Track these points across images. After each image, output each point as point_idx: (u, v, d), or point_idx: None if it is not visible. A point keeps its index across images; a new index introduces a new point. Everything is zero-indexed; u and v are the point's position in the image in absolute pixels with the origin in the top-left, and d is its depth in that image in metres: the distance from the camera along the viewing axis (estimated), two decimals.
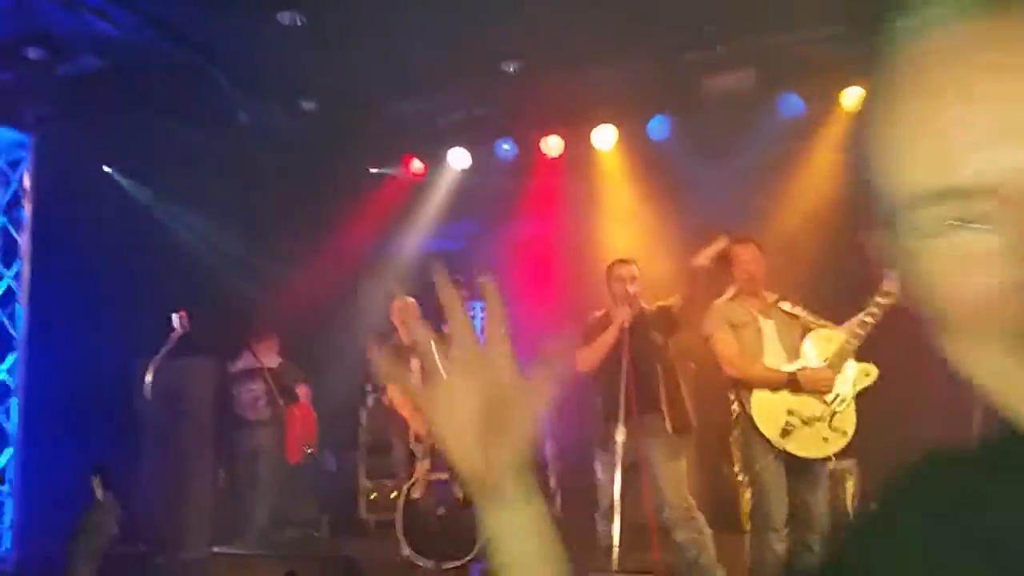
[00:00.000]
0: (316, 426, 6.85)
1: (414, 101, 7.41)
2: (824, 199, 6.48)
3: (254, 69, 6.77)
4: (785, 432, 3.67)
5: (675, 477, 4.15)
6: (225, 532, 6.24)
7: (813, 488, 3.79)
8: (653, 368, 4.22)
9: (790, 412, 3.67)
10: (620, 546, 4.03)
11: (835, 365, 3.66)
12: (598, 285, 7.15)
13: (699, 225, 6.51)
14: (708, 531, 4.13)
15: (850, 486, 6.24)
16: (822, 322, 3.91)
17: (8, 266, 6.51)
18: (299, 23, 5.96)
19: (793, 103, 6.57)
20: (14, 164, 6.64)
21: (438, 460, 5.50)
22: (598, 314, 4.45)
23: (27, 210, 6.61)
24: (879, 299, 3.64)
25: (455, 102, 7.47)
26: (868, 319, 3.65)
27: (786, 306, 3.96)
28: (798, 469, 3.78)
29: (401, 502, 5.38)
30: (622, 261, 4.49)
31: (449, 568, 5.14)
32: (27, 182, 6.62)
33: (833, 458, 3.81)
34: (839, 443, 3.69)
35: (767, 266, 4.07)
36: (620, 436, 3.95)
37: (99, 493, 3.84)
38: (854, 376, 3.71)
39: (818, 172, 6.63)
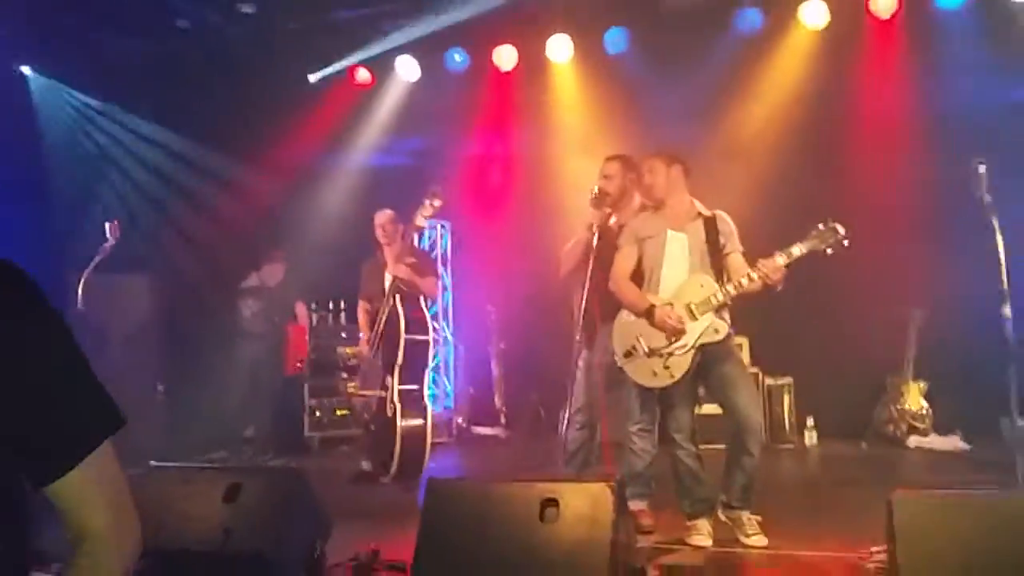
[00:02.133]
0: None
1: (360, 6, 7.07)
2: (781, 115, 6.46)
3: None
4: (628, 354, 3.86)
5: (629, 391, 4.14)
6: (169, 451, 6.14)
7: (669, 404, 3.92)
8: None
9: (638, 338, 3.83)
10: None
11: (694, 313, 3.76)
12: (551, 202, 7.10)
13: (653, 138, 6.45)
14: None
15: (787, 401, 6.45)
16: (736, 250, 3.89)
17: None
18: None
19: (751, 17, 6.44)
20: None
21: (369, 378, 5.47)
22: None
23: None
24: (756, 275, 3.66)
25: (404, 8, 7.13)
26: (744, 281, 3.69)
27: (710, 214, 3.92)
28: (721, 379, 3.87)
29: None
30: (607, 158, 4.40)
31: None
32: None
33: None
34: (664, 381, 3.82)
35: (708, 177, 4.03)
36: (579, 346, 4.01)
37: None
38: (704, 329, 3.78)
39: (776, 88, 6.55)
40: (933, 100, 6.13)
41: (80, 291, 5.35)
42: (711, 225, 3.90)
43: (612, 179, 4.27)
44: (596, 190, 4.16)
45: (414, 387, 5.26)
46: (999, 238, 3.76)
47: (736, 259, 3.88)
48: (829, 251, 3.63)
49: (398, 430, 5.12)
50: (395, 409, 5.16)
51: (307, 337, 6.78)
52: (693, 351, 3.78)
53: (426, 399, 5.34)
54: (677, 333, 3.76)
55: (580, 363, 4.24)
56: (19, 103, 6.88)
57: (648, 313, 3.80)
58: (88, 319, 5.46)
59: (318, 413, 7.24)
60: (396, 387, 5.18)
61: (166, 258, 6.83)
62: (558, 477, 3.95)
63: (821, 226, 3.66)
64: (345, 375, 7.19)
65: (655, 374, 3.82)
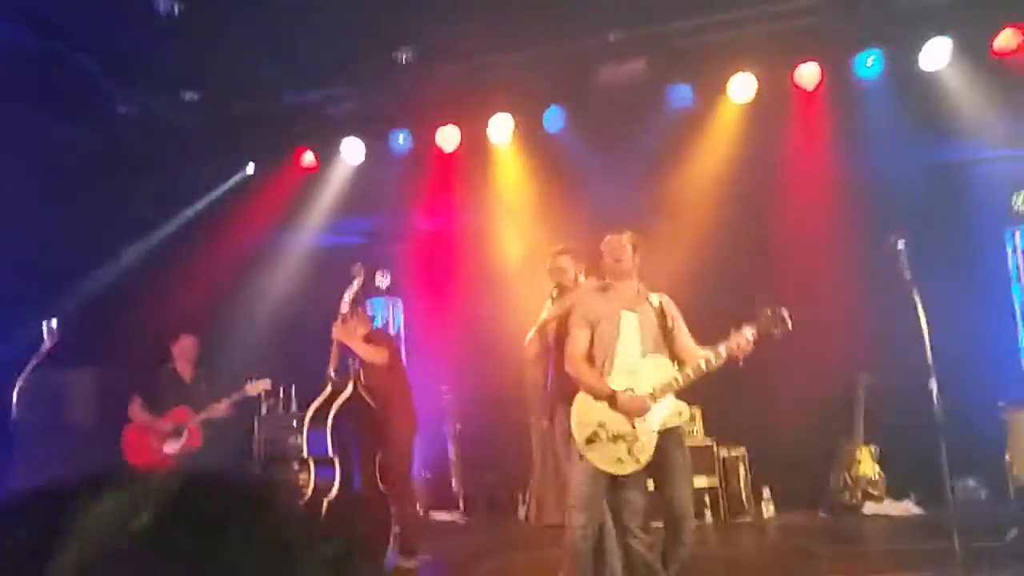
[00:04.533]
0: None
1: (304, 91, 7.16)
2: (711, 190, 6.61)
3: (130, 59, 6.41)
4: (590, 440, 3.78)
5: (576, 472, 4.11)
6: None
7: (624, 491, 3.86)
8: (561, 364, 4.14)
9: (600, 424, 3.77)
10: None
11: (655, 396, 3.75)
12: (496, 280, 7.14)
13: (594, 216, 6.55)
14: (596, 526, 4.09)
15: (742, 472, 6.44)
16: (680, 331, 3.94)
17: None
18: (176, 11, 5.66)
19: (682, 93, 6.63)
20: None
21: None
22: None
23: None
24: (721, 350, 3.72)
25: (347, 92, 7.24)
26: (704, 365, 3.74)
27: (655, 298, 3.98)
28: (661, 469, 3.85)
29: None
30: (555, 252, 4.45)
31: None
32: None
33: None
34: (630, 468, 3.76)
35: (651, 255, 4.08)
36: (537, 428, 4.09)
37: None
38: (667, 413, 3.79)
39: (709, 160, 6.71)
40: (857, 167, 6.38)
41: (15, 396, 5.19)
42: (658, 306, 3.95)
43: (566, 271, 4.34)
44: (554, 286, 4.29)
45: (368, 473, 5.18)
46: (920, 313, 3.84)
47: (687, 340, 3.91)
48: (777, 333, 3.72)
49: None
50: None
51: (148, 440, 6.01)
52: (656, 435, 3.76)
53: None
54: (639, 416, 3.73)
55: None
56: None
57: (611, 398, 3.75)
58: (27, 425, 5.31)
59: None
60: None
61: (112, 351, 6.68)
62: None
63: (769, 311, 3.74)
64: (298, 466, 6.93)
65: (620, 460, 3.74)
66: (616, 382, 3.81)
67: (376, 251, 7.33)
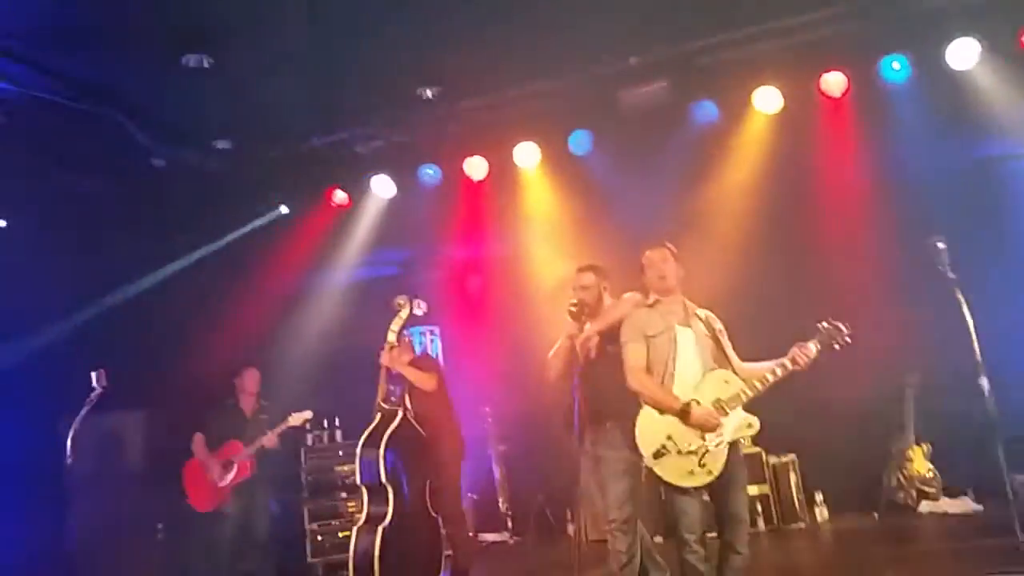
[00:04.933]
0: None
1: (332, 133, 7.31)
2: (742, 202, 6.62)
3: (163, 113, 6.59)
4: (658, 454, 3.75)
5: (617, 493, 4.13)
6: None
7: (680, 501, 3.82)
8: (602, 379, 4.14)
9: (669, 437, 3.75)
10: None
11: (725, 409, 3.76)
12: (530, 302, 7.20)
13: (625, 235, 6.59)
14: (639, 545, 4.17)
15: (793, 479, 6.38)
16: (728, 346, 3.97)
17: None
18: (206, 64, 5.84)
19: (707, 110, 6.68)
20: None
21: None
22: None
23: None
24: (786, 362, 3.79)
25: (374, 131, 7.38)
26: (769, 376, 3.78)
27: (702, 313, 3.99)
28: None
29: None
30: (580, 268, 4.45)
31: None
32: None
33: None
34: (702, 481, 3.75)
35: (688, 272, 4.09)
36: (574, 446, 4.00)
37: None
38: (737, 425, 3.79)
39: (739, 174, 6.74)
40: (891, 170, 6.35)
41: (69, 443, 5.32)
42: (706, 321, 3.97)
43: (589, 289, 4.33)
44: (575, 302, 4.23)
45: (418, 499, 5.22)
46: (966, 311, 3.84)
47: (733, 354, 3.93)
48: (837, 347, 3.82)
49: (375, 551, 5.00)
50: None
51: (204, 474, 6.18)
52: (727, 447, 3.75)
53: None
54: (713, 430, 3.72)
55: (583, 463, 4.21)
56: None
57: (684, 412, 3.73)
58: (80, 469, 5.43)
59: (320, 538, 7.08)
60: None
61: (158, 396, 6.81)
62: None
63: (825, 325, 3.84)
64: (345, 495, 7.10)
65: (691, 473, 3.73)
66: (681, 396, 3.79)
67: (411, 281, 7.45)
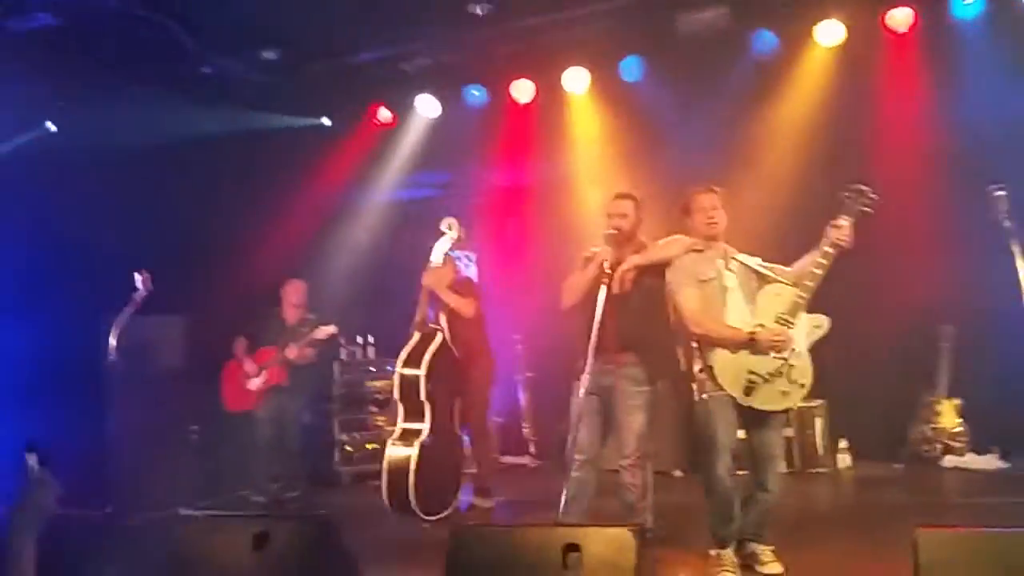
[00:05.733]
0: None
1: (379, 48, 7.20)
2: (799, 138, 6.41)
3: (213, 20, 6.53)
4: (748, 389, 3.70)
5: (634, 427, 4.14)
6: (198, 492, 6.22)
7: (766, 430, 3.83)
8: (633, 311, 4.14)
9: (750, 371, 3.69)
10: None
11: (787, 321, 3.68)
12: (573, 232, 7.12)
13: (673, 168, 6.45)
14: (651, 480, 4.22)
15: (819, 424, 6.33)
16: (777, 270, 3.88)
17: None
18: None
19: (767, 40, 6.43)
20: None
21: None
22: (591, 251, 4.30)
23: None
24: (826, 247, 3.67)
25: (422, 47, 7.25)
26: (817, 270, 3.66)
27: (742, 258, 3.90)
28: (752, 416, 3.81)
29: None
30: (617, 195, 4.37)
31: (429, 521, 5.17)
32: None
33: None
34: (799, 394, 3.74)
35: (734, 210, 4.00)
36: (586, 373, 3.93)
37: (34, 470, 3.75)
38: (807, 331, 3.73)
39: (795, 108, 6.50)
40: (954, 113, 6.02)
41: (113, 341, 5.46)
42: (745, 264, 3.90)
43: (627, 217, 4.25)
44: (613, 229, 4.16)
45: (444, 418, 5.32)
46: (1019, 263, 3.70)
47: (776, 286, 3.81)
48: (868, 210, 3.68)
49: (412, 465, 5.14)
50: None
51: (238, 377, 6.37)
52: (808, 355, 3.72)
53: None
54: (785, 347, 3.66)
55: (580, 392, 4.14)
56: (43, 158, 7.09)
57: (751, 341, 3.67)
58: (121, 367, 5.59)
59: (348, 448, 7.30)
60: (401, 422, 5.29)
61: (198, 302, 6.93)
62: (580, 522, 3.92)
63: (849, 192, 3.70)
64: (374, 409, 7.30)
65: (785, 393, 3.70)
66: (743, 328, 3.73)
67: (450, 204, 7.38)
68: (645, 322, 4.17)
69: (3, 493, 5.51)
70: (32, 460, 3.72)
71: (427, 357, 5.23)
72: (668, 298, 4.00)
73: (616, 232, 4.16)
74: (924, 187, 6.00)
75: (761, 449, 3.81)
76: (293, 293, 6.52)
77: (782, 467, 3.89)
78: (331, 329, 6.26)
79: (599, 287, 3.98)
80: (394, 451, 5.25)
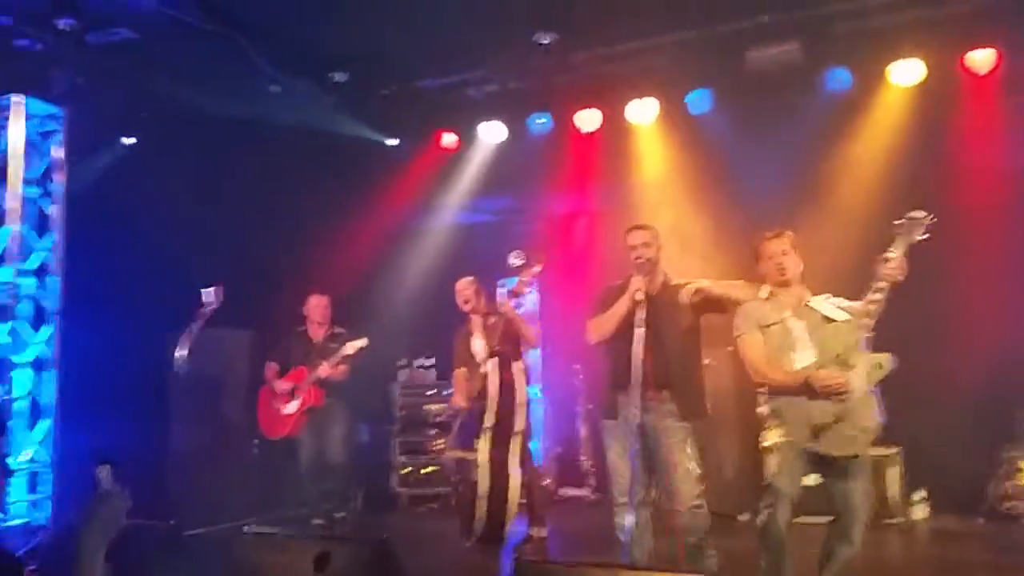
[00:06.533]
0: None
1: (446, 74, 7.30)
2: (872, 178, 6.28)
3: (285, 41, 6.69)
4: (815, 434, 3.57)
5: (689, 466, 4.02)
6: (258, 507, 6.30)
7: (845, 479, 3.68)
8: (667, 344, 4.05)
9: (812, 415, 3.56)
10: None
11: (847, 362, 3.52)
12: (631, 261, 7.08)
13: (739, 203, 6.39)
14: (708, 519, 4.06)
15: (892, 473, 6.11)
16: (848, 308, 3.71)
17: (41, 238, 6.52)
18: None
19: (840, 77, 6.32)
20: (46, 135, 6.62)
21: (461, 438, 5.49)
22: (616, 283, 4.23)
23: (59, 181, 6.59)
24: (878, 283, 3.51)
25: (488, 75, 7.33)
26: (872, 306, 3.51)
27: (817, 303, 3.77)
28: (827, 461, 3.67)
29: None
30: (636, 227, 4.28)
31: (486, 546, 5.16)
32: (59, 153, 6.59)
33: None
34: (866, 439, 3.57)
35: (805, 256, 3.89)
36: (630, 408, 3.84)
37: (106, 483, 3.82)
38: (868, 370, 3.54)
39: (868, 149, 6.38)
40: None
41: (182, 353, 5.56)
42: (818, 308, 3.77)
43: (651, 246, 4.18)
44: (640, 258, 4.10)
45: (502, 450, 5.28)
46: None
47: (833, 325, 3.68)
48: (926, 236, 3.51)
49: (480, 493, 5.16)
50: (480, 473, 5.20)
51: (273, 400, 6.21)
52: (872, 397, 3.56)
53: (512, 463, 5.31)
54: (843, 388, 3.50)
55: (608, 431, 4.13)
56: (119, 172, 7.31)
57: (806, 384, 3.55)
58: (187, 379, 5.70)
59: (406, 470, 7.33)
60: (484, 450, 5.23)
61: (266, 317, 7.03)
62: (652, 566, 3.85)
63: (902, 220, 3.53)
64: (433, 432, 7.34)
65: (853, 437, 3.55)
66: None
67: (512, 230, 7.44)
68: (681, 360, 4.11)
69: (73, 501, 5.69)
70: (104, 473, 3.80)
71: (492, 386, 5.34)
72: (716, 343, 3.95)
73: (646, 261, 4.09)
74: (1007, 231, 5.82)
75: (842, 500, 3.70)
76: (314, 309, 6.34)
77: (864, 520, 3.69)
78: (361, 343, 6.09)
79: (631, 320, 3.91)
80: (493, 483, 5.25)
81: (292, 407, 6.13)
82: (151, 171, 7.27)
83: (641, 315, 3.89)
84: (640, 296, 3.94)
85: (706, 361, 4.50)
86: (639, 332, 3.83)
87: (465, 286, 5.70)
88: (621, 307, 4.05)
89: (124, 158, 7.55)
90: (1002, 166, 5.99)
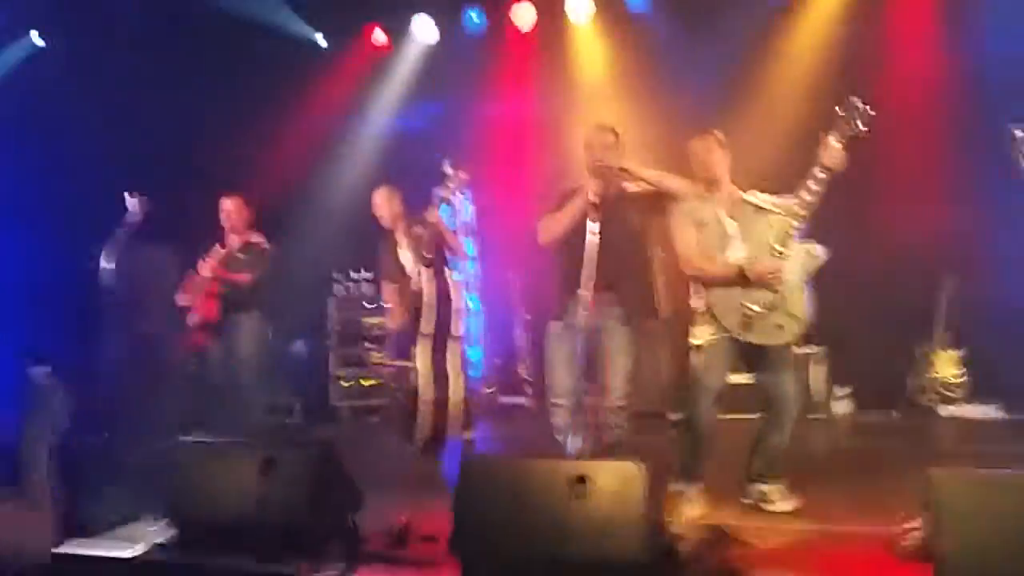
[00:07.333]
0: None
1: None
2: (804, 75, 6.27)
3: None
4: (744, 324, 3.68)
5: (624, 368, 4.06)
6: (197, 420, 6.19)
7: (772, 371, 3.82)
8: (619, 247, 4.01)
9: (744, 305, 3.67)
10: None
11: (779, 251, 3.60)
12: (570, 168, 7.00)
13: (677, 104, 6.33)
14: (626, 418, 4.13)
15: (817, 371, 6.33)
16: (778, 202, 3.75)
17: None
18: None
19: None
20: None
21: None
22: (571, 186, 4.17)
23: None
24: (817, 171, 3.52)
25: None
26: (808, 196, 3.55)
27: (751, 198, 3.82)
28: (758, 355, 3.81)
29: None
30: (597, 127, 4.19)
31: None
32: None
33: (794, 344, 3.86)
34: (795, 328, 3.68)
35: (737, 151, 3.90)
36: (578, 309, 3.82)
37: (44, 380, 3.69)
38: (801, 261, 3.65)
39: (804, 47, 6.35)
40: (967, 54, 5.87)
41: (107, 265, 5.29)
42: (750, 202, 3.81)
43: (612, 148, 4.09)
44: (599, 161, 4.01)
45: (441, 356, 5.27)
46: None
47: (768, 217, 3.73)
48: (863, 127, 3.49)
49: (420, 402, 5.16)
50: (418, 380, 5.20)
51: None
52: (804, 287, 3.67)
53: (451, 370, 5.32)
54: (777, 276, 3.61)
55: (554, 332, 4.12)
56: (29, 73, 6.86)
57: (740, 275, 3.65)
58: (115, 292, 5.45)
59: (345, 383, 7.30)
60: (425, 357, 5.21)
61: (189, 228, 6.78)
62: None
63: (842, 108, 3.51)
64: (370, 345, 7.27)
65: (781, 327, 3.67)
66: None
67: (444, 136, 7.23)
68: (627, 260, 4.09)
69: (6, 401, 5.47)
70: (41, 373, 3.67)
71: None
72: (665, 240, 3.98)
73: (603, 164, 4.01)
74: (934, 123, 5.87)
75: (773, 391, 3.81)
76: (227, 215, 5.76)
77: (794, 411, 3.83)
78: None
79: (583, 222, 3.85)
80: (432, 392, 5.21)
81: (191, 320, 5.68)
82: (65, 67, 6.82)
83: (595, 217, 3.84)
84: (595, 199, 3.88)
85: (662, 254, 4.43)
86: (592, 235, 3.79)
87: (379, 200, 5.51)
88: (573, 208, 4.02)
89: (36, 56, 7.06)
90: (935, 58, 6.00)
